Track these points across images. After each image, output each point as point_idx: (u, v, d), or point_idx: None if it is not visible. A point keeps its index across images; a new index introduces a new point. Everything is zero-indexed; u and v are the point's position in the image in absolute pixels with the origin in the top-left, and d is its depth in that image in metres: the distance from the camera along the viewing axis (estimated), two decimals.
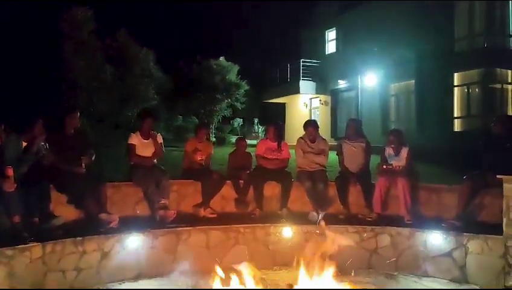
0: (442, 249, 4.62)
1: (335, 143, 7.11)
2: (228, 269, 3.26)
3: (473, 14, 14.83)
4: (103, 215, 4.59)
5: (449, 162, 9.23)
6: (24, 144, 4.48)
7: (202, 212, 5.42)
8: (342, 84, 19.35)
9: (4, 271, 3.71)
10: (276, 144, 5.90)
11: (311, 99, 21.50)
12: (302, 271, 3.28)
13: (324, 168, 5.88)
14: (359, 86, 17.87)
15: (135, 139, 5.39)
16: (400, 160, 5.52)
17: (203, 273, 4.12)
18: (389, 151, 5.64)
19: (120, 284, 4.33)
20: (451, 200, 5.14)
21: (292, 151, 6.01)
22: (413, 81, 15.85)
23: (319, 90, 20.33)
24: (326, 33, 20.91)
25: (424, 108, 15.35)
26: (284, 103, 23.25)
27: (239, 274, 3.18)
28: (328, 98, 20.34)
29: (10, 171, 4.03)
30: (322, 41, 21.06)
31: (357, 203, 5.64)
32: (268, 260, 4.88)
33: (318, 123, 6.36)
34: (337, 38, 20.29)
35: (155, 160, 5.50)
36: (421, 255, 4.74)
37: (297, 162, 5.92)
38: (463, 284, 4.45)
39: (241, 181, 5.77)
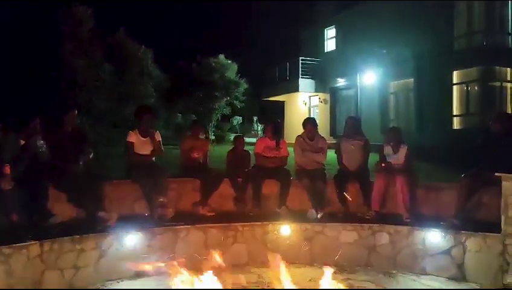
0: (441, 247, 4.63)
1: (334, 141, 7.10)
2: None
3: (472, 12, 14.83)
4: (101, 214, 4.59)
5: (448, 160, 9.24)
6: (22, 142, 4.48)
7: (201, 210, 5.43)
8: (341, 82, 19.34)
9: (2, 269, 3.71)
10: (274, 142, 5.90)
11: (310, 97, 21.50)
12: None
13: (323, 166, 5.87)
14: (358, 84, 17.84)
15: (133, 137, 5.36)
16: (398, 158, 5.51)
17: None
18: (387, 149, 5.63)
19: (118, 282, 4.32)
20: (449, 198, 5.13)
21: (291, 149, 6.00)
22: (412, 79, 15.86)
23: (318, 88, 20.33)
24: (326, 31, 20.91)
25: (423, 106, 15.36)
26: (283, 101, 23.26)
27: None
28: (327, 96, 20.35)
29: (7, 170, 4.03)
30: (322, 40, 21.07)
31: (356, 202, 5.62)
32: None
33: (317, 121, 6.34)
34: (336, 37, 20.29)
35: (154, 158, 5.50)
36: (420, 253, 4.74)
37: (296, 160, 5.90)
38: (461, 282, 4.45)
39: (240, 179, 5.77)
